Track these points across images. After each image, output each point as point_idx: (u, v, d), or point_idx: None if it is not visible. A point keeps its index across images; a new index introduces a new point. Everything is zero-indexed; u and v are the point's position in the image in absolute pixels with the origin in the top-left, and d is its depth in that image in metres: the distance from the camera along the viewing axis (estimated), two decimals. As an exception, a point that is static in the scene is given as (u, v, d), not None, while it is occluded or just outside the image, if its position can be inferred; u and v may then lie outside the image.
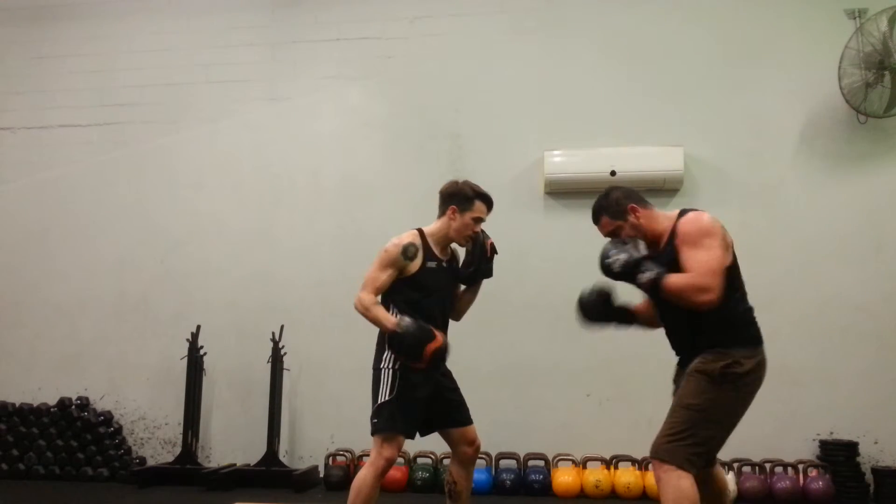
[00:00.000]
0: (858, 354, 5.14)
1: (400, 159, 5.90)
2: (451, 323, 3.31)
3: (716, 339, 2.66)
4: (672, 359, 5.59)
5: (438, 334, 3.04)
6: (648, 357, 5.37)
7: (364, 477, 2.98)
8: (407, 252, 3.08)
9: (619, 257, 2.73)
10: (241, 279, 5.91)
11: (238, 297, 5.88)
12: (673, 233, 2.69)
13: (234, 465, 5.56)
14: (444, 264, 3.22)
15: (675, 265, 2.64)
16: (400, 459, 4.97)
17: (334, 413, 5.63)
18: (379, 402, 3.03)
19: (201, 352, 5.68)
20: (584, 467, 5.14)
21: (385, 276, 3.10)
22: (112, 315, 6.02)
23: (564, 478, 5.03)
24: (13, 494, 5.07)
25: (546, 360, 5.39)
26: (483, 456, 5.02)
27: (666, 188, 5.44)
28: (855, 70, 5.18)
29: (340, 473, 5.20)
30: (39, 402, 5.83)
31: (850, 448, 4.96)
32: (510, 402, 5.38)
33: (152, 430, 5.87)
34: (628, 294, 3.02)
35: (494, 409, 4.92)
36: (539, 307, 5.46)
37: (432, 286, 3.16)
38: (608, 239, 2.87)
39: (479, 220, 3.20)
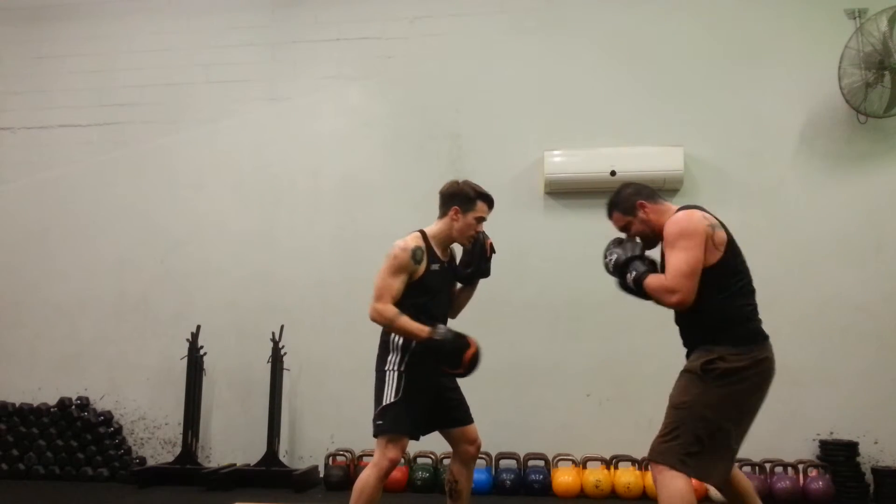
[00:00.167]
0: (858, 354, 5.14)
1: (400, 159, 5.90)
2: (450, 322, 3.31)
3: (706, 336, 2.70)
4: (672, 358, 5.61)
5: (472, 339, 3.05)
6: (648, 357, 5.38)
7: (367, 478, 2.98)
8: (416, 256, 3.05)
9: (612, 257, 2.87)
10: (241, 279, 5.91)
11: (238, 297, 5.88)
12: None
13: (234, 465, 5.56)
14: (446, 265, 3.22)
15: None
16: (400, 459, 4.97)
17: (334, 413, 5.63)
18: (384, 403, 3.02)
19: (201, 352, 5.68)
20: (584, 467, 5.14)
21: (398, 283, 3.04)
22: (112, 315, 6.02)
23: (564, 478, 5.03)
24: (13, 494, 5.07)
25: (546, 360, 5.39)
26: (483, 456, 5.02)
27: (666, 188, 5.43)
28: (855, 70, 5.18)
29: (340, 473, 5.21)
30: (39, 402, 5.84)
31: (850, 448, 4.96)
32: (510, 402, 5.37)
33: (152, 430, 5.88)
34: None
35: (494, 409, 4.92)
36: (539, 307, 5.46)
37: (436, 288, 3.16)
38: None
39: (481, 219, 3.20)
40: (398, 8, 6.04)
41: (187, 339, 5.65)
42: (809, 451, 5.12)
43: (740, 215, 5.05)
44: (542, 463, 5.21)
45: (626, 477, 4.98)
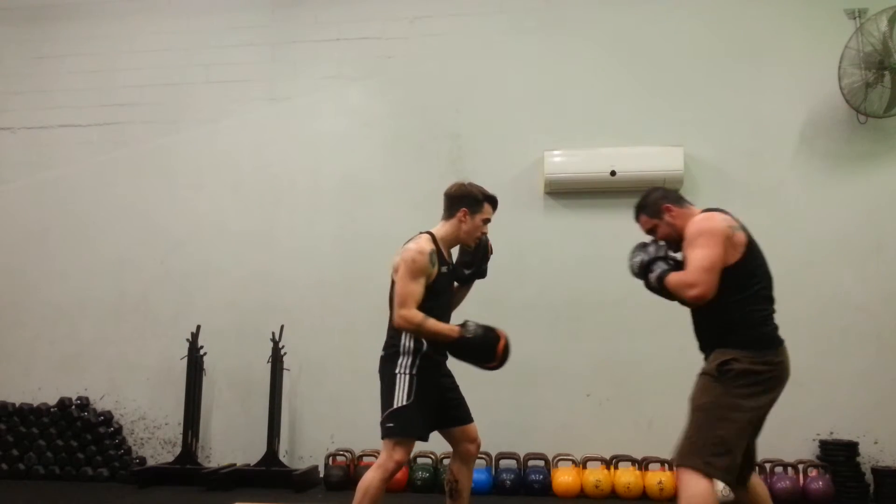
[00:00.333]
0: (858, 355, 5.15)
1: (400, 159, 5.90)
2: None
3: (720, 338, 2.74)
4: (672, 359, 5.61)
5: (499, 330, 3.08)
6: (648, 357, 5.39)
7: (372, 479, 2.98)
8: (432, 259, 3.06)
9: (637, 259, 2.93)
10: (241, 279, 5.91)
11: (238, 297, 5.88)
12: None
13: (234, 465, 5.56)
14: (451, 267, 3.24)
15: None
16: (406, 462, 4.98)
17: (334, 413, 5.64)
18: (395, 406, 3.00)
19: (201, 352, 5.68)
20: (584, 467, 5.14)
21: (420, 287, 3.02)
22: (112, 315, 6.02)
23: (564, 478, 5.03)
24: (13, 494, 5.06)
25: (546, 360, 5.39)
26: (483, 456, 5.02)
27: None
28: (855, 70, 5.18)
29: (340, 473, 5.21)
30: (39, 402, 5.84)
31: (850, 448, 4.97)
32: (510, 402, 5.37)
33: (152, 430, 5.88)
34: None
35: (494, 409, 4.91)
36: (539, 307, 5.46)
37: (444, 290, 3.18)
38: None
39: (487, 221, 3.23)
40: (398, 8, 6.04)
41: (187, 339, 5.65)
42: (809, 451, 5.12)
43: (740, 215, 4.99)
44: (542, 463, 5.21)
45: (626, 477, 4.98)
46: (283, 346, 5.55)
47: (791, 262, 5.30)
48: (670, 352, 5.34)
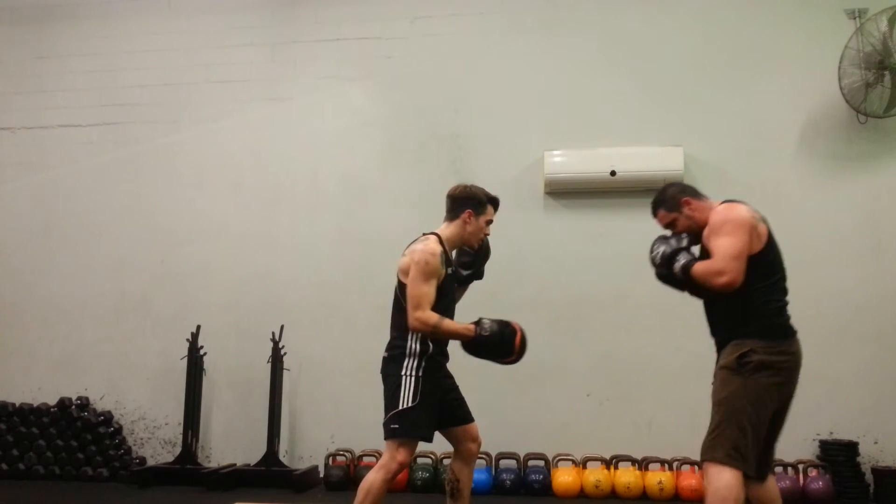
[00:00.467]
0: (858, 354, 5.15)
1: (400, 159, 5.90)
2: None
3: (737, 328, 2.77)
4: (672, 359, 5.63)
5: (514, 323, 3.10)
6: (648, 357, 5.39)
7: (374, 480, 2.98)
8: (442, 261, 3.08)
9: (660, 250, 2.94)
10: (241, 279, 5.91)
11: (238, 297, 5.88)
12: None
13: (234, 465, 5.56)
14: (455, 268, 3.25)
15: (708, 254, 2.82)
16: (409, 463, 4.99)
17: (334, 413, 5.64)
18: (400, 407, 3.01)
19: (201, 352, 5.68)
20: (584, 467, 5.14)
21: (432, 289, 3.03)
22: (112, 315, 6.02)
23: (564, 478, 5.03)
24: (13, 494, 5.06)
25: (546, 360, 5.37)
26: (483, 456, 5.02)
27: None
28: (855, 70, 5.18)
29: (340, 473, 5.21)
30: (39, 402, 5.83)
31: (850, 448, 4.96)
32: (510, 401, 5.37)
33: (152, 430, 5.88)
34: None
35: (494, 409, 4.92)
36: (539, 307, 5.46)
37: (450, 291, 3.19)
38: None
39: (490, 222, 3.25)
40: (398, 8, 6.04)
41: (187, 339, 5.65)
42: (809, 451, 5.12)
43: (740, 215, 5.06)
44: (542, 463, 5.21)
45: (626, 477, 4.98)
46: (283, 346, 5.55)
47: (791, 262, 5.24)
48: (670, 351, 5.36)
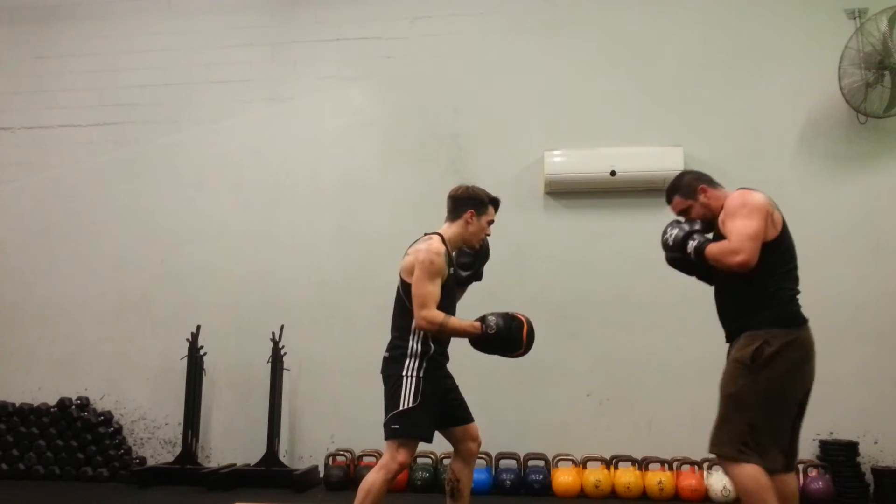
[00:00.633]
0: (858, 354, 5.14)
1: (400, 159, 5.90)
2: None
3: (749, 317, 2.79)
4: (672, 359, 5.62)
5: (519, 315, 3.10)
6: (648, 357, 5.39)
7: (374, 480, 2.99)
8: (446, 260, 3.08)
9: (673, 233, 2.97)
10: (241, 279, 5.91)
11: (238, 297, 5.88)
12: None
13: (234, 465, 5.56)
14: (454, 268, 3.26)
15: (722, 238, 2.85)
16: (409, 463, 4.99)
17: (334, 413, 5.64)
18: (401, 408, 3.01)
19: (201, 352, 5.68)
20: (584, 467, 5.13)
21: (437, 288, 3.04)
22: (112, 315, 6.02)
23: (564, 478, 5.03)
24: (13, 494, 5.06)
25: (546, 360, 5.36)
26: (483, 456, 5.02)
27: (666, 188, 5.43)
28: (855, 70, 5.18)
29: (340, 473, 5.21)
30: (39, 402, 5.84)
31: (850, 448, 4.97)
32: (510, 401, 5.38)
33: (152, 430, 5.88)
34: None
35: (494, 409, 4.92)
36: (539, 307, 5.40)
37: (453, 291, 3.20)
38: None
39: (491, 223, 3.26)
40: (398, 8, 6.04)
41: (187, 339, 5.65)
42: (809, 451, 5.12)
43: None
44: (542, 463, 5.21)
45: (626, 477, 4.98)
46: (283, 346, 5.55)
47: (791, 262, 5.31)
48: (670, 351, 5.36)
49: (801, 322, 2.81)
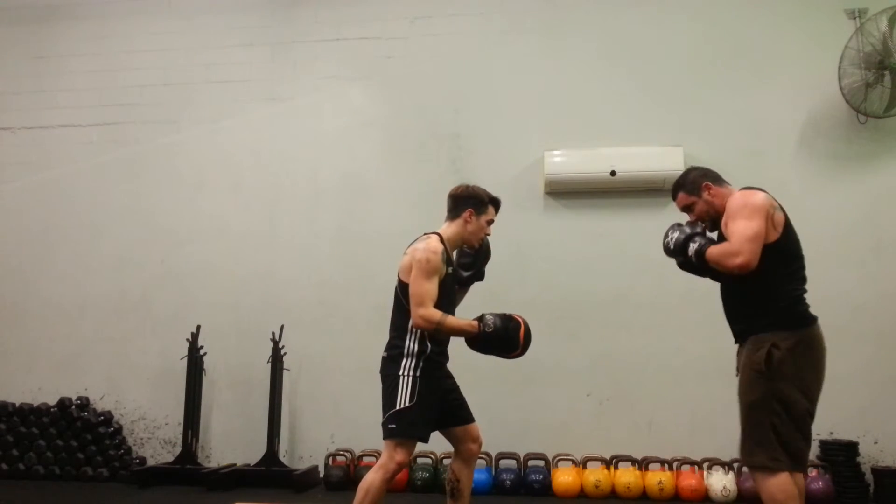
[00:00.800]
0: (858, 354, 5.13)
1: (400, 159, 5.90)
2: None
3: (755, 318, 2.79)
4: (672, 358, 5.62)
5: (517, 316, 3.09)
6: (648, 357, 5.39)
7: (373, 480, 2.99)
8: (443, 259, 3.08)
9: (674, 236, 2.96)
10: (241, 279, 5.91)
11: (238, 297, 5.89)
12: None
13: (234, 465, 5.56)
14: (455, 268, 3.26)
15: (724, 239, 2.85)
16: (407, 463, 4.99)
17: (334, 413, 5.64)
18: (398, 407, 3.01)
19: (201, 352, 5.68)
20: (584, 467, 5.13)
21: (434, 287, 3.04)
22: (112, 315, 6.02)
23: (564, 478, 5.03)
24: (13, 494, 5.06)
25: (546, 360, 5.37)
26: (483, 456, 5.02)
27: (666, 188, 5.37)
28: (855, 70, 5.18)
29: (340, 473, 5.21)
30: (39, 402, 5.84)
31: (850, 448, 4.96)
32: (510, 402, 5.38)
33: (152, 430, 5.88)
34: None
35: (494, 409, 4.92)
36: (539, 307, 5.43)
37: (451, 290, 3.20)
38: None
39: (491, 222, 3.26)
40: (398, 8, 6.04)
41: (187, 339, 5.65)
42: (809, 452, 5.11)
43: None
44: (542, 463, 5.21)
45: (626, 477, 4.98)
46: (283, 346, 5.55)
47: (791, 262, 5.31)
48: (670, 351, 5.36)
49: (808, 322, 2.82)
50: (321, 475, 5.39)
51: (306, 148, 6.03)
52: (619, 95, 5.67)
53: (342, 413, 5.59)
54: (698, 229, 2.95)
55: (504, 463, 5.22)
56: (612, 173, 5.39)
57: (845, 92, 5.18)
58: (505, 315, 3.10)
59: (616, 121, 5.63)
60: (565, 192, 5.62)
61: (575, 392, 5.42)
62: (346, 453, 5.39)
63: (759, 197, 2.80)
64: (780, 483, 2.64)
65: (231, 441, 5.75)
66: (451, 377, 3.24)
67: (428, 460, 5.22)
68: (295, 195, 5.98)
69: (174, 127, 6.22)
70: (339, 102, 6.07)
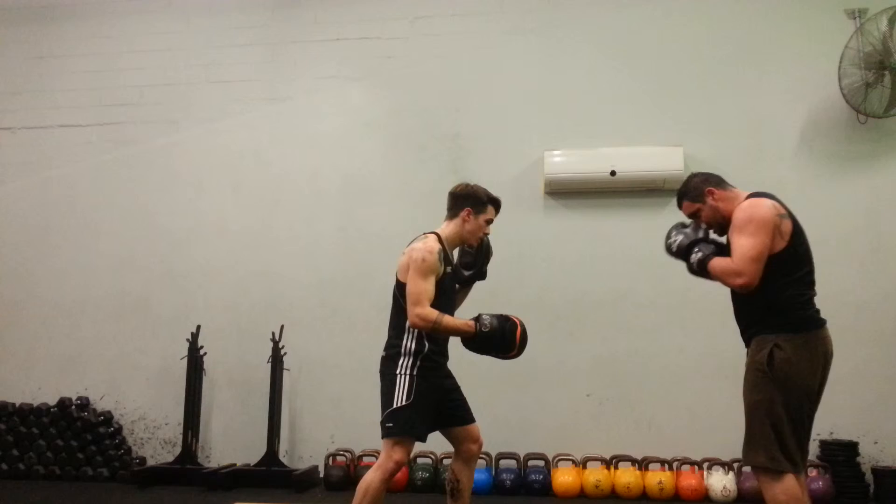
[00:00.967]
0: (858, 354, 5.13)
1: (400, 159, 5.90)
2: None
3: (762, 322, 2.80)
4: (672, 358, 5.62)
5: (513, 317, 3.09)
6: (648, 357, 5.39)
7: (372, 479, 2.99)
8: (440, 258, 3.07)
9: (677, 239, 2.95)
10: (241, 279, 5.91)
11: (238, 297, 5.89)
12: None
13: (234, 465, 5.56)
14: (456, 267, 3.26)
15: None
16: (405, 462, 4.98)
17: (334, 413, 5.64)
18: (394, 406, 3.01)
19: (201, 352, 5.68)
20: (584, 467, 5.13)
21: (431, 286, 3.03)
22: (112, 315, 6.02)
23: (564, 478, 5.03)
24: (13, 494, 5.06)
25: (546, 360, 5.38)
26: (483, 456, 5.02)
27: (666, 188, 5.44)
28: (855, 70, 5.18)
29: (340, 473, 5.20)
30: (39, 402, 5.84)
31: (850, 448, 4.97)
32: (510, 401, 5.38)
33: (152, 430, 5.88)
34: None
35: (494, 409, 4.93)
36: (539, 307, 5.46)
37: (450, 289, 3.19)
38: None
39: (490, 222, 3.25)
40: (398, 8, 6.04)
41: (187, 339, 5.65)
42: (810, 452, 5.11)
43: (740, 215, 5.05)
44: (542, 463, 5.21)
45: (626, 477, 4.98)
46: (283, 346, 5.55)
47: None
48: (670, 352, 5.36)
49: (814, 325, 2.82)
50: (321, 475, 5.39)
51: (306, 148, 6.03)
52: (618, 95, 5.67)
53: (342, 413, 5.59)
54: (701, 234, 2.93)
55: (504, 463, 5.22)
56: (612, 173, 5.39)
57: (845, 92, 5.18)
58: (501, 315, 3.09)
59: (616, 121, 5.63)
60: (565, 192, 5.62)
61: (575, 392, 5.42)
62: (346, 453, 5.39)
63: (764, 209, 2.77)
64: (784, 486, 2.64)
65: (231, 441, 5.75)
66: (451, 377, 3.24)
67: (428, 460, 5.22)
68: (295, 195, 5.98)
69: (174, 127, 6.22)
70: (339, 102, 6.07)
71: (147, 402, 5.90)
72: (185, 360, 5.62)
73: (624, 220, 5.53)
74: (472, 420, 3.23)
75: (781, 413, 2.70)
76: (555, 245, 5.58)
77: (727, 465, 4.94)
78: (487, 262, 3.39)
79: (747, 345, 2.92)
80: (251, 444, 5.57)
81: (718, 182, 2.99)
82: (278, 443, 5.45)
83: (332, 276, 5.80)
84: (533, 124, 5.74)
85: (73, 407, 5.76)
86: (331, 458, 5.34)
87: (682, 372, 5.30)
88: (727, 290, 3.04)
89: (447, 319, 3.03)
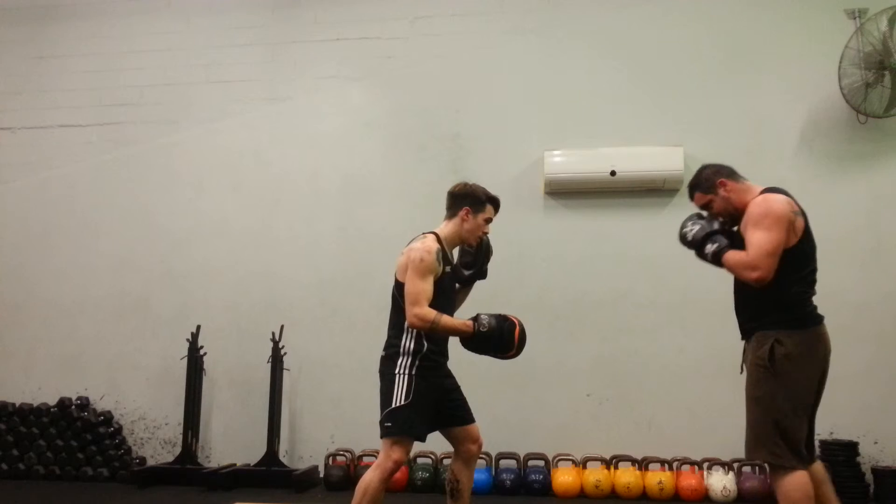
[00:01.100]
0: (858, 354, 5.13)
1: (400, 159, 5.90)
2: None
3: (763, 317, 2.82)
4: (672, 358, 5.62)
5: (512, 316, 3.09)
6: (648, 357, 5.39)
7: (371, 479, 2.99)
8: (439, 258, 3.08)
9: (693, 229, 2.96)
10: (241, 279, 5.91)
11: (238, 297, 5.89)
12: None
13: (234, 465, 5.56)
14: (453, 266, 3.26)
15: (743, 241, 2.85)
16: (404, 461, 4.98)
17: (334, 413, 5.64)
18: (393, 406, 3.02)
19: (201, 352, 5.68)
20: (584, 467, 5.13)
21: (429, 286, 3.03)
22: (112, 315, 6.02)
23: (564, 478, 5.03)
24: (13, 494, 5.07)
25: (546, 360, 5.39)
26: (483, 456, 5.02)
27: (666, 188, 5.44)
28: (855, 70, 5.18)
29: (340, 473, 5.20)
30: (39, 402, 5.84)
31: (850, 448, 4.96)
32: (510, 401, 5.38)
33: (152, 430, 5.88)
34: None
35: (494, 409, 4.93)
36: (539, 307, 5.46)
37: (449, 289, 3.19)
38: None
39: (489, 221, 3.25)
40: (398, 8, 6.04)
41: (187, 339, 5.65)
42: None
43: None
44: (542, 463, 5.21)
45: (626, 477, 4.98)
46: (283, 346, 5.55)
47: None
48: (670, 352, 5.36)
49: (813, 322, 2.84)
50: (321, 475, 5.39)
51: (306, 148, 6.03)
52: (618, 95, 5.67)
53: (342, 413, 5.59)
54: (716, 226, 2.94)
55: (504, 463, 5.22)
56: (612, 173, 5.39)
57: (845, 92, 5.18)
58: (500, 315, 3.09)
59: (616, 121, 5.63)
60: (565, 192, 5.62)
61: (575, 392, 5.42)
62: (346, 453, 5.39)
63: (780, 204, 2.80)
64: (796, 482, 2.66)
65: (231, 441, 5.75)
66: (451, 377, 3.24)
67: (428, 460, 5.22)
68: (295, 195, 5.98)
69: (174, 127, 6.22)
70: (339, 102, 6.07)
71: (147, 402, 5.90)
72: (185, 360, 5.62)
73: (624, 220, 5.53)
74: (472, 420, 3.23)
75: (783, 407, 2.71)
76: (555, 245, 5.58)
77: (727, 465, 4.94)
78: (487, 262, 3.39)
79: (745, 337, 2.93)
80: (251, 444, 5.57)
81: (730, 174, 3.00)
82: (278, 443, 5.45)
83: (332, 276, 5.80)
84: (533, 124, 5.74)
85: (73, 407, 5.76)
86: (331, 458, 5.34)
87: (682, 372, 5.30)
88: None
89: (445, 319, 3.03)
